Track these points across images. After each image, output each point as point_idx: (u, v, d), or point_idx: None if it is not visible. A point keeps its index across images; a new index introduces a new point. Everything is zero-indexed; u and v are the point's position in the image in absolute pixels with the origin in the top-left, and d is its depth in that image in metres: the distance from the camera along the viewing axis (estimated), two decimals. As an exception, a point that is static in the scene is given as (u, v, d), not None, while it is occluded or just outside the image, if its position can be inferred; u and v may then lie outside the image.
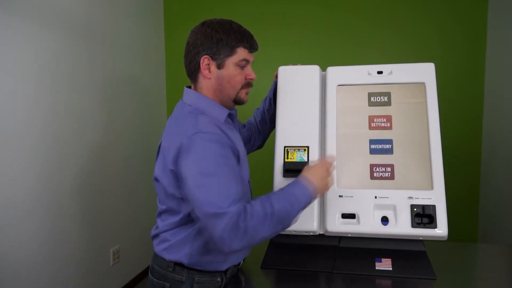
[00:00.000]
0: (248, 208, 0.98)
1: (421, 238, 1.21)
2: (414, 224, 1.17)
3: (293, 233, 1.24)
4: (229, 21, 1.17)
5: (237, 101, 1.19)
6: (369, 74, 1.35)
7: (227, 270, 1.17)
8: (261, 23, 3.01)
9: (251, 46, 1.16)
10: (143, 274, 2.69)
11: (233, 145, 1.10)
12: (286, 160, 1.28)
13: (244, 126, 1.50)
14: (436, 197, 1.19)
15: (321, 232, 1.24)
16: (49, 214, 1.93)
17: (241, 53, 1.14)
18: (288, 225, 1.04)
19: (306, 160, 1.26)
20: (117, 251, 2.49)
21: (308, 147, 1.28)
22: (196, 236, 1.12)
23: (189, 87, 1.21)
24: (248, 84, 1.19)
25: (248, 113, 1.62)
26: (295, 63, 1.43)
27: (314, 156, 1.27)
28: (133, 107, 2.67)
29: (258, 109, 1.56)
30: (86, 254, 2.20)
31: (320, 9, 2.92)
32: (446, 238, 1.17)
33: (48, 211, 1.92)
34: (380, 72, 1.35)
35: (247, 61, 1.16)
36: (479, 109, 2.78)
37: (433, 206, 1.18)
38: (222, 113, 1.17)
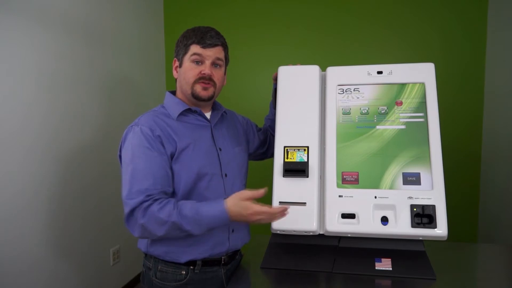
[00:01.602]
0: (150, 207, 1.05)
1: (420, 238, 1.21)
2: (414, 224, 1.17)
3: (293, 233, 1.24)
4: (200, 27, 1.24)
5: (195, 96, 1.23)
6: (369, 74, 1.35)
7: (193, 264, 1.19)
8: (261, 23, 3.01)
9: (202, 41, 1.20)
10: (143, 274, 2.69)
11: (168, 140, 1.16)
12: (286, 160, 1.27)
13: (260, 129, 1.57)
14: (436, 197, 1.19)
15: (321, 232, 1.24)
16: (48, 213, 1.93)
17: (192, 48, 1.21)
18: (194, 234, 1.08)
19: (306, 160, 1.26)
20: (117, 251, 2.49)
21: (308, 147, 1.28)
22: None
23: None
24: (201, 79, 1.21)
25: (248, 116, 1.63)
26: (295, 63, 1.43)
27: (314, 156, 1.27)
28: (133, 107, 2.67)
29: (267, 115, 1.62)
30: (86, 254, 2.20)
31: (320, 9, 2.93)
32: (446, 238, 1.17)
33: (48, 210, 1.92)
34: (380, 72, 1.35)
35: (199, 55, 1.20)
36: (479, 109, 2.78)
37: (433, 206, 1.18)
38: (177, 109, 1.23)
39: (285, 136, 1.31)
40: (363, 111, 1.33)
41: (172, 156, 1.17)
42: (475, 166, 2.81)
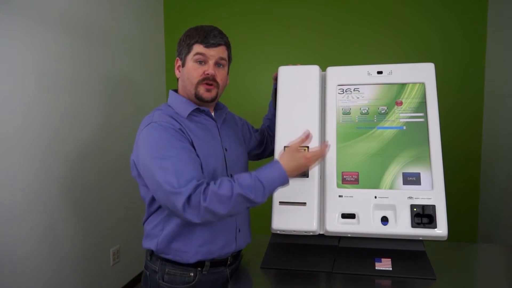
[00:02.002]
0: (207, 188, 1.03)
1: (421, 238, 1.21)
2: (414, 224, 1.17)
3: (293, 233, 1.24)
4: (203, 26, 1.23)
5: (198, 97, 1.22)
6: (369, 74, 1.35)
7: (202, 266, 1.18)
8: (261, 23, 3.01)
9: (206, 41, 1.18)
10: (143, 274, 2.69)
11: (187, 135, 1.15)
12: (286, 160, 1.27)
13: (257, 130, 1.56)
14: (436, 197, 1.19)
15: (321, 232, 1.24)
16: (48, 213, 1.93)
17: (196, 48, 1.19)
18: (254, 205, 1.08)
19: (306, 160, 1.26)
20: (117, 251, 2.49)
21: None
22: (166, 223, 1.18)
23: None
24: (205, 80, 1.20)
25: (248, 116, 1.63)
26: (295, 63, 1.43)
27: (314, 156, 1.27)
28: (133, 107, 2.67)
29: (266, 115, 1.61)
30: (86, 254, 2.20)
31: (320, 9, 2.93)
32: (446, 238, 1.17)
33: (47, 210, 1.92)
34: (380, 72, 1.35)
35: (202, 54, 1.19)
36: (479, 109, 2.78)
37: (433, 206, 1.18)
38: (186, 109, 1.21)
39: (285, 136, 1.31)
40: (363, 111, 1.34)
41: None
42: (475, 166, 2.81)
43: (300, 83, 1.36)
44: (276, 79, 1.41)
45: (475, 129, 2.79)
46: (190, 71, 1.20)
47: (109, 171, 2.41)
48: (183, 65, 1.23)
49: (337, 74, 1.38)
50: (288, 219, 1.22)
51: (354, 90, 1.36)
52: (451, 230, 1.19)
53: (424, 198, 1.19)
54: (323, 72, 1.41)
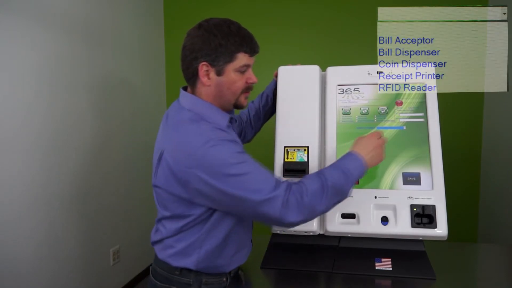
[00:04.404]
0: (300, 186, 1.02)
1: (421, 238, 1.21)
2: (414, 224, 1.17)
3: (293, 233, 1.24)
4: (227, 22, 1.10)
5: (237, 106, 1.16)
6: (369, 74, 1.36)
7: (231, 270, 1.18)
8: (261, 23, 3.01)
9: (252, 50, 1.10)
10: (143, 274, 2.69)
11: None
12: (286, 160, 1.28)
13: (236, 120, 1.42)
14: (436, 197, 1.19)
15: (321, 232, 1.24)
16: (48, 214, 1.93)
17: (241, 58, 1.08)
18: (343, 198, 1.07)
19: (306, 160, 1.26)
20: (117, 251, 2.49)
21: (308, 147, 1.28)
22: (204, 241, 1.09)
23: (186, 87, 1.16)
24: (248, 88, 1.15)
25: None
26: (295, 63, 1.43)
27: (314, 156, 1.27)
28: (133, 107, 2.67)
29: (253, 103, 1.53)
30: (86, 254, 2.20)
31: (320, 9, 2.92)
32: (446, 238, 1.17)
33: (48, 211, 1.92)
34: (380, 72, 1.35)
35: (248, 66, 1.11)
36: (479, 109, 2.78)
37: (433, 206, 1.18)
38: (223, 118, 1.12)
39: (285, 136, 1.31)
40: (363, 111, 1.34)
41: None
42: (475, 166, 2.81)
43: (300, 83, 1.36)
44: (277, 76, 1.41)
45: (475, 129, 2.79)
46: (235, 82, 1.10)
47: (109, 171, 2.41)
48: (220, 73, 1.09)
49: (337, 74, 1.38)
50: (288, 219, 1.22)
51: (354, 90, 1.36)
52: (451, 230, 1.19)
53: (424, 198, 1.19)
54: (323, 72, 1.41)
